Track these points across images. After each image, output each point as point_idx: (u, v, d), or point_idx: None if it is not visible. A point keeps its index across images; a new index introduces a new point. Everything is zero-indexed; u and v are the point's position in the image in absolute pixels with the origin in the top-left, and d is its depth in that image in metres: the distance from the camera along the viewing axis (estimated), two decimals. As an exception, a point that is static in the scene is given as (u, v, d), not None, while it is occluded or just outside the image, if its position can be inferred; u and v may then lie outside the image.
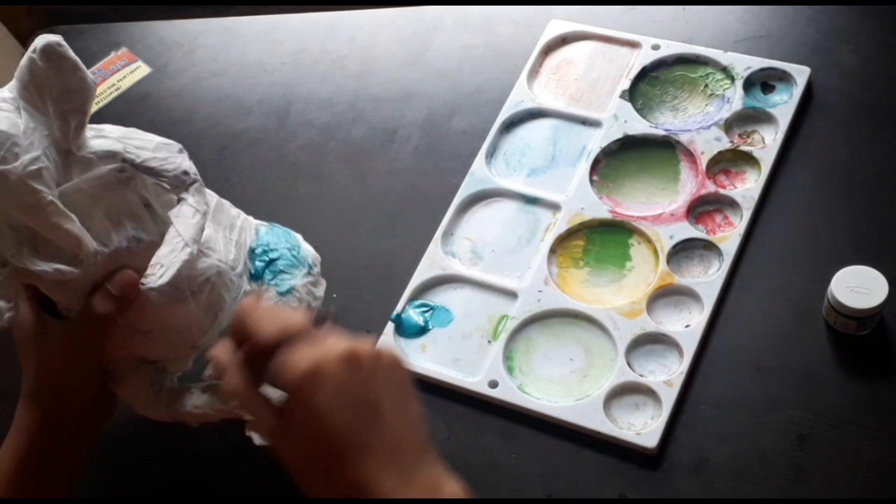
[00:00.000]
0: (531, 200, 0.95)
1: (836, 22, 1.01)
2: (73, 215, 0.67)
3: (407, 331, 0.89)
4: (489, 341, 0.87)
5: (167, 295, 0.69)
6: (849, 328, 0.82)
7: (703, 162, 0.93)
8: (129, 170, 0.70)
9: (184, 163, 0.72)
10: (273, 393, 0.75)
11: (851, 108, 0.95)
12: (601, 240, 0.91)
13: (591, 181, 0.94)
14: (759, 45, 1.00)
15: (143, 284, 0.68)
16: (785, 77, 0.97)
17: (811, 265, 0.86)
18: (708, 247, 0.89)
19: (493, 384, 0.85)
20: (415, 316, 0.90)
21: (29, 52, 0.66)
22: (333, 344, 0.59)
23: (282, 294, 0.78)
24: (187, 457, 0.86)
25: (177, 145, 0.73)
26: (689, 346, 0.83)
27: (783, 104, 0.95)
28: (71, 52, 0.67)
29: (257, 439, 0.75)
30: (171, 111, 1.10)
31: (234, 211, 0.80)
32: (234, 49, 1.14)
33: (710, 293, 0.86)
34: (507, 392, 0.84)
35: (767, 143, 0.94)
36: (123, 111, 1.09)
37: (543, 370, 0.85)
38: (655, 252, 0.89)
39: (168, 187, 0.72)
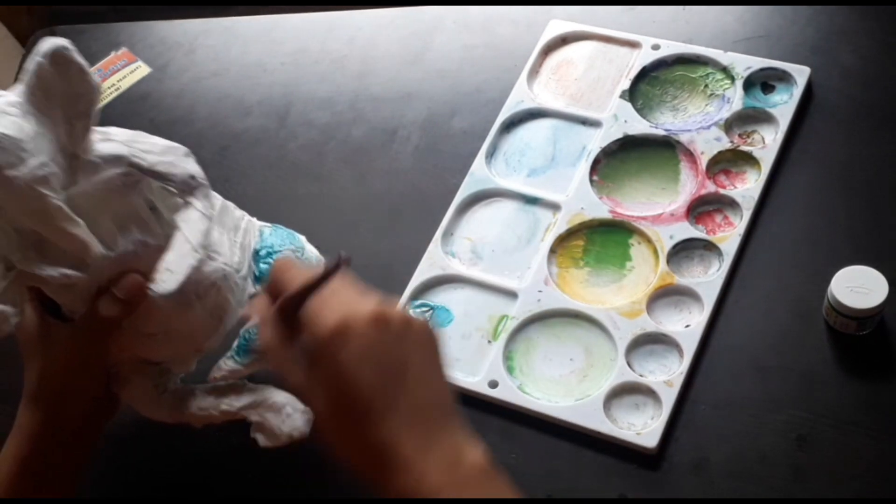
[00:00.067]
0: (531, 200, 0.95)
1: (836, 22, 1.01)
2: (79, 220, 0.67)
3: (407, 331, 0.89)
4: (489, 341, 0.87)
5: (174, 300, 0.68)
6: (849, 328, 0.82)
7: (703, 162, 0.93)
8: (135, 174, 0.70)
9: (190, 167, 0.72)
10: (279, 397, 0.76)
11: (851, 108, 0.95)
12: (601, 240, 0.91)
13: (591, 181, 0.94)
14: (758, 45, 1.00)
15: (150, 289, 0.68)
16: (785, 77, 0.97)
17: (811, 265, 0.86)
18: (708, 247, 0.89)
19: (494, 384, 0.85)
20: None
21: (36, 57, 0.65)
22: (364, 302, 0.59)
23: None
24: (189, 457, 0.86)
25: (183, 149, 0.73)
26: (689, 346, 0.83)
27: (783, 104, 0.95)
28: (78, 56, 0.66)
29: (262, 440, 0.75)
30: (172, 111, 1.10)
31: (239, 213, 0.80)
32: (234, 49, 1.14)
33: (710, 293, 0.86)
34: (507, 392, 0.84)
35: (767, 143, 0.94)
36: (123, 111, 1.09)
37: (543, 370, 0.85)
38: (655, 252, 0.89)
39: (174, 191, 0.72)
